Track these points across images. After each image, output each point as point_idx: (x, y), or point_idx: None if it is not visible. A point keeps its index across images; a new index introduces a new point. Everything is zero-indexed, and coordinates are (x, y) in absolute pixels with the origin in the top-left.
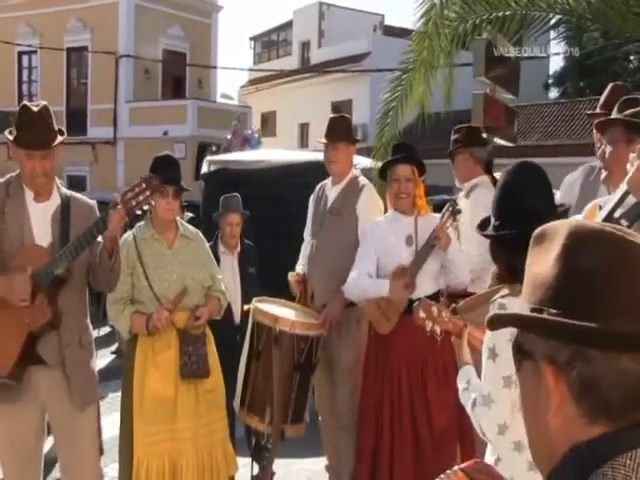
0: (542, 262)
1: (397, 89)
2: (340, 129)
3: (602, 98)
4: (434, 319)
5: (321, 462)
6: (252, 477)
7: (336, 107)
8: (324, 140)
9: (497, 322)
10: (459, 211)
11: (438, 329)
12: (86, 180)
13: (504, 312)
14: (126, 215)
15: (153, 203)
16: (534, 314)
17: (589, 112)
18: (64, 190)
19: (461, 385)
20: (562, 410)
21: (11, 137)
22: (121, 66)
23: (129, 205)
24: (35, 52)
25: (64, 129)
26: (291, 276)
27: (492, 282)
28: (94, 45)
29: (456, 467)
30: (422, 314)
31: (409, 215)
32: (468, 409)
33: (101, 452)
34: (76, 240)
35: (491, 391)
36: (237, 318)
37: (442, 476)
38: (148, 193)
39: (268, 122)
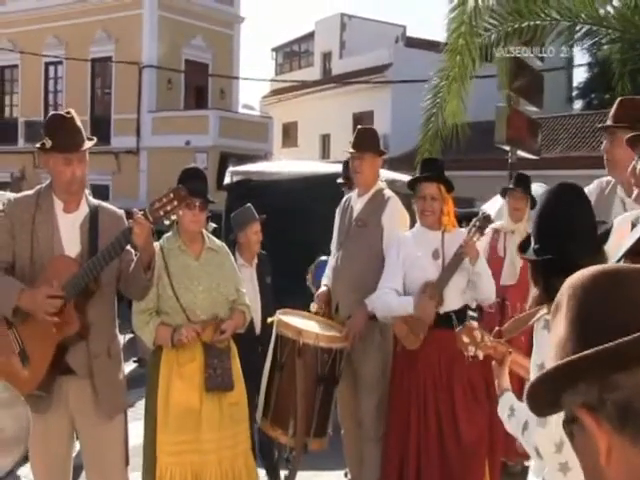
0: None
1: (438, 95)
2: (367, 140)
3: (611, 112)
4: (477, 344)
5: (343, 475)
6: None
7: (357, 118)
8: (351, 150)
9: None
10: (487, 224)
11: (481, 354)
12: (109, 189)
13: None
14: (153, 224)
15: (181, 214)
16: (560, 363)
17: (600, 125)
18: (92, 200)
19: (505, 413)
20: (614, 450)
21: (48, 145)
22: (144, 76)
23: (156, 215)
24: (61, 63)
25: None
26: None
27: (532, 304)
28: (118, 55)
29: None
30: (465, 339)
31: (436, 230)
32: (518, 435)
33: (127, 462)
34: (104, 251)
35: None
36: (258, 329)
37: None
38: (176, 204)
39: (290, 133)
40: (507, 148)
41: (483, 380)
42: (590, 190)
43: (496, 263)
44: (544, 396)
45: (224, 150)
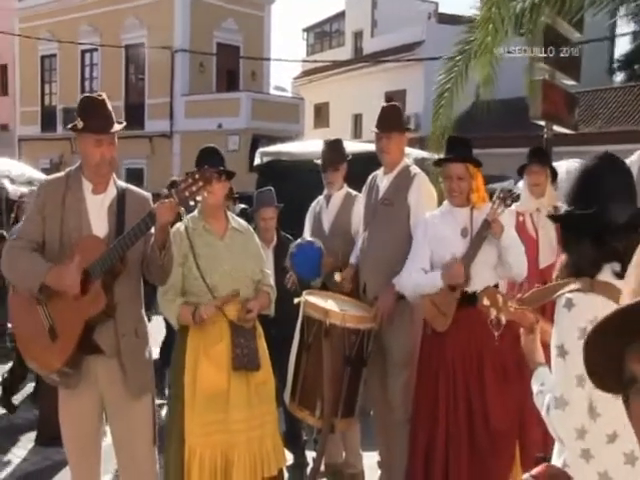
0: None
1: (453, 70)
2: (392, 118)
3: None
4: (499, 308)
5: (373, 457)
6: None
7: (389, 97)
8: (376, 130)
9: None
10: (510, 196)
11: (503, 319)
12: (143, 173)
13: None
14: (180, 206)
15: (206, 195)
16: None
17: None
18: (120, 182)
19: (535, 387)
20: None
21: (79, 126)
22: (176, 60)
23: (182, 196)
24: (96, 50)
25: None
26: (342, 274)
27: (559, 273)
28: (150, 41)
29: (527, 475)
30: (486, 301)
31: (464, 207)
32: (543, 413)
33: (155, 441)
34: (130, 231)
35: (563, 392)
36: (272, 310)
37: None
38: (201, 184)
39: (321, 113)
40: (542, 123)
41: (515, 361)
42: (632, 161)
43: (530, 247)
44: (605, 349)
45: (256, 132)
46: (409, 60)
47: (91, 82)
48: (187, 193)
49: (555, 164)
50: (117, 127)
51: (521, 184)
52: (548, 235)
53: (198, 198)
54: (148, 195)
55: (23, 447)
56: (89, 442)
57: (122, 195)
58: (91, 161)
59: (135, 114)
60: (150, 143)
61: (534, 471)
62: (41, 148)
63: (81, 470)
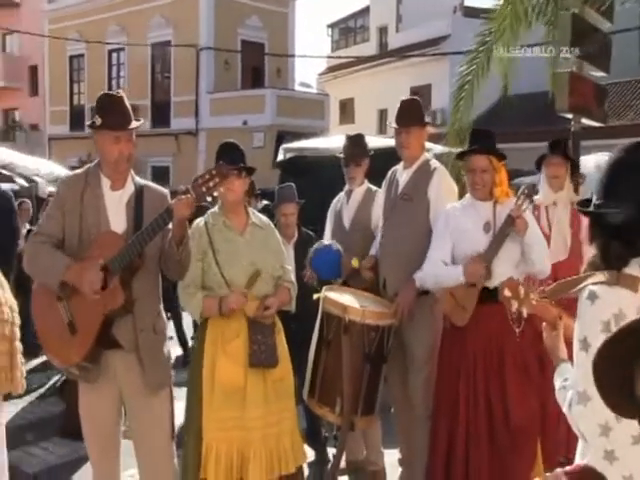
0: None
1: (473, 62)
2: (412, 112)
3: None
4: (520, 300)
5: (395, 454)
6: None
7: (415, 92)
8: (395, 125)
9: None
10: (535, 193)
11: (525, 312)
12: (169, 170)
13: None
14: (196, 202)
15: (222, 190)
16: None
17: None
18: (138, 179)
19: (558, 383)
20: None
21: (98, 123)
22: (202, 58)
23: (199, 191)
24: (123, 49)
25: (149, 121)
26: (361, 262)
27: (586, 266)
28: (176, 39)
29: (560, 470)
30: (507, 292)
31: (487, 201)
32: (565, 409)
33: (173, 435)
34: (148, 227)
35: (586, 387)
36: (292, 306)
37: (547, 475)
38: (217, 180)
39: (346, 109)
40: (569, 116)
41: (537, 358)
42: None
43: None
44: (616, 360)
45: (281, 129)
46: (434, 55)
47: (118, 81)
48: (204, 189)
49: (583, 158)
50: (135, 124)
51: (539, 177)
52: (562, 231)
53: (215, 194)
54: (166, 191)
55: (50, 440)
56: (108, 436)
57: (140, 191)
58: (109, 158)
59: (161, 112)
60: (176, 141)
61: (568, 468)
62: (70, 147)
63: (101, 463)
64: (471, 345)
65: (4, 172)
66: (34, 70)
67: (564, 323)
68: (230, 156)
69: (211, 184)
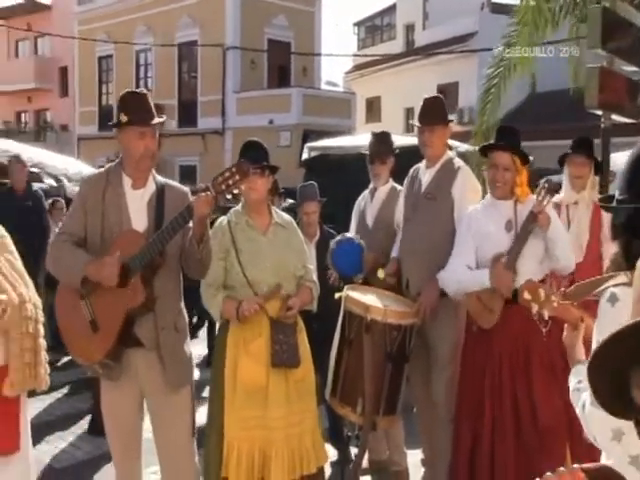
0: None
1: (500, 64)
2: (434, 110)
3: None
4: (541, 302)
5: (418, 455)
6: (338, 466)
7: (442, 90)
8: (418, 123)
9: None
10: (556, 187)
11: (546, 314)
12: (196, 170)
13: None
14: (217, 200)
15: (243, 188)
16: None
17: None
18: (159, 178)
19: (572, 384)
20: None
21: (123, 120)
22: (228, 58)
23: (219, 189)
24: (150, 50)
25: (176, 121)
26: (385, 270)
27: (609, 266)
28: (203, 39)
29: (576, 465)
30: (527, 295)
31: (508, 200)
32: (578, 411)
33: (193, 433)
34: (168, 225)
35: None
36: (314, 306)
37: (561, 469)
38: (238, 178)
39: (373, 108)
40: (599, 113)
41: (563, 357)
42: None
43: None
44: (610, 365)
45: (307, 128)
46: (461, 52)
47: (146, 81)
48: (224, 186)
49: (614, 155)
50: (158, 120)
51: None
52: (580, 232)
53: (235, 191)
54: (186, 190)
55: (77, 436)
56: (130, 433)
57: (161, 190)
58: (135, 153)
59: (188, 112)
60: (203, 140)
61: (586, 465)
62: (98, 147)
63: (123, 460)
64: (497, 345)
65: (34, 170)
66: (64, 71)
67: (586, 325)
68: (253, 154)
69: (231, 182)
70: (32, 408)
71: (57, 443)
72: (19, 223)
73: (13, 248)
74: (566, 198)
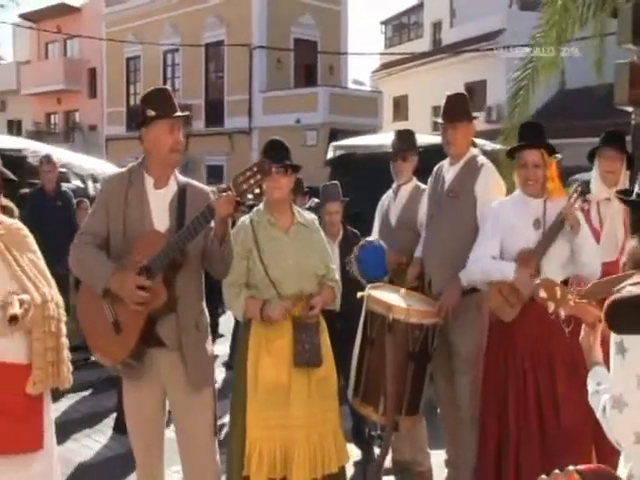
0: None
1: (528, 66)
2: (458, 107)
3: None
4: (557, 301)
5: (441, 455)
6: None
7: (470, 88)
8: (441, 120)
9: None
10: (589, 191)
11: (562, 313)
12: (223, 170)
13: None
14: (238, 199)
15: (265, 187)
16: None
17: None
18: (181, 178)
19: (591, 387)
20: None
21: (151, 114)
22: (255, 57)
23: (240, 189)
24: (177, 50)
25: (203, 121)
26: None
27: (626, 262)
28: (229, 39)
29: (572, 467)
30: (543, 294)
31: (538, 197)
32: (598, 414)
33: (215, 433)
34: (190, 225)
35: (622, 392)
36: (337, 305)
37: (556, 471)
38: (259, 177)
39: (400, 106)
40: (630, 109)
41: None
42: None
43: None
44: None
45: (334, 127)
46: (489, 50)
47: (173, 82)
48: (245, 186)
49: None
50: (185, 113)
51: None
52: (614, 229)
53: (257, 191)
54: (208, 189)
55: (103, 434)
56: (152, 433)
57: (183, 190)
58: (164, 147)
59: (215, 112)
60: (229, 140)
61: (581, 466)
62: (126, 147)
63: (146, 459)
64: (521, 343)
65: (62, 170)
66: (93, 73)
67: (604, 324)
68: (276, 153)
69: (252, 181)
70: (59, 406)
71: (83, 440)
72: (49, 223)
73: (36, 248)
74: (597, 194)
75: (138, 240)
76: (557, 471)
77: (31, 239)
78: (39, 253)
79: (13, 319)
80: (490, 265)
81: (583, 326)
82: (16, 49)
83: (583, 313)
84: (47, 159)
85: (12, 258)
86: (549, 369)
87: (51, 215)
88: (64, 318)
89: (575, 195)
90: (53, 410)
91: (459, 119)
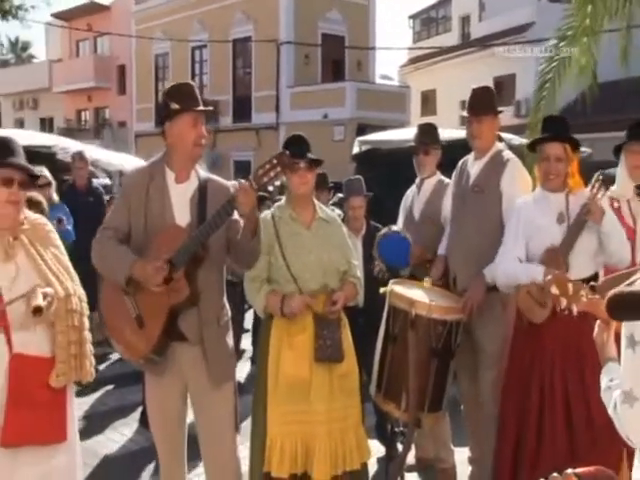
0: None
1: (554, 59)
2: (483, 101)
3: None
4: (569, 297)
5: (465, 453)
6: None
7: (499, 82)
8: (466, 114)
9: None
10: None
11: (575, 309)
12: (251, 165)
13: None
14: (258, 191)
15: (284, 179)
16: None
17: None
18: (202, 172)
19: (604, 383)
20: None
21: (175, 107)
22: (282, 53)
23: (260, 182)
24: (205, 46)
25: (230, 117)
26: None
27: None
28: (257, 35)
29: (570, 470)
30: (555, 290)
31: (559, 192)
32: (610, 410)
33: (237, 429)
34: (211, 219)
35: (633, 387)
36: (361, 301)
37: (554, 474)
38: (279, 169)
39: (428, 101)
40: None
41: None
42: None
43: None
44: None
45: (361, 122)
46: (517, 43)
47: (201, 78)
48: (265, 178)
49: None
50: (208, 108)
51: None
52: None
53: (277, 183)
54: (229, 184)
55: (129, 427)
56: (174, 427)
57: (204, 185)
58: (188, 140)
59: (242, 107)
60: (257, 135)
61: (580, 470)
62: (155, 143)
63: (167, 452)
64: (550, 341)
65: (91, 169)
66: (122, 70)
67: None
68: (298, 148)
69: (272, 173)
70: (87, 399)
71: (110, 433)
72: (81, 219)
73: (59, 243)
74: (625, 191)
75: (159, 235)
76: (555, 474)
77: (54, 234)
78: (62, 248)
79: (37, 310)
80: (517, 268)
81: (597, 322)
82: (48, 48)
83: (596, 308)
84: (80, 156)
85: (36, 252)
86: (579, 368)
87: (83, 211)
88: (87, 312)
89: (597, 185)
90: (81, 403)
91: (484, 112)
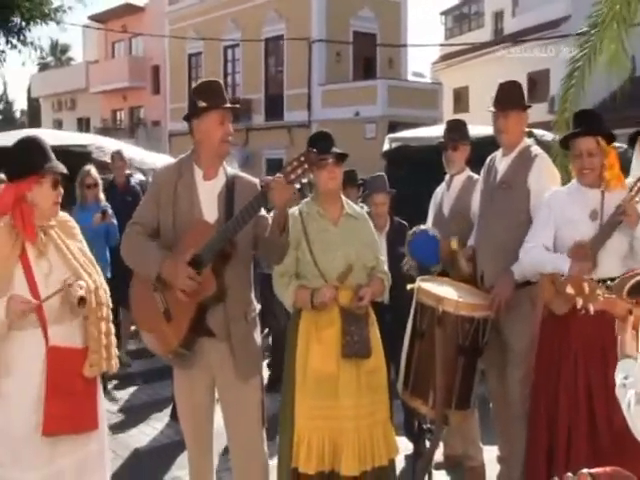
0: None
1: (585, 46)
2: (510, 95)
3: None
4: (585, 296)
5: (493, 452)
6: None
7: (533, 78)
8: (493, 109)
9: None
10: None
11: (592, 308)
12: (283, 163)
13: None
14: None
15: (312, 176)
16: None
17: None
18: (229, 170)
19: (618, 380)
20: None
21: (202, 105)
22: (314, 51)
23: (288, 179)
24: (238, 45)
25: (262, 115)
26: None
27: None
28: (289, 33)
29: (585, 470)
30: (570, 289)
31: (595, 188)
32: (624, 408)
33: (264, 424)
34: (238, 214)
35: None
36: (386, 297)
37: (569, 474)
38: (306, 166)
39: (461, 98)
40: None
41: None
42: None
43: None
44: None
45: (393, 119)
46: (551, 38)
47: (233, 77)
48: (293, 176)
49: None
50: (234, 105)
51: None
52: None
53: (304, 180)
54: (256, 181)
55: (161, 421)
56: (202, 420)
57: (231, 181)
58: (215, 138)
59: (274, 106)
60: (289, 133)
61: (595, 470)
62: (189, 142)
63: (195, 445)
64: (575, 339)
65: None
66: (156, 70)
67: (635, 316)
68: (324, 144)
69: (300, 171)
70: (122, 394)
71: (142, 427)
72: (120, 216)
73: (82, 238)
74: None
75: (187, 231)
76: (569, 474)
77: (78, 230)
78: (85, 243)
79: (82, 301)
80: (543, 256)
81: (617, 321)
82: (85, 50)
83: (613, 307)
84: (119, 155)
85: (65, 247)
86: (602, 365)
87: (121, 209)
88: (111, 305)
89: (636, 189)
90: (117, 398)
91: (511, 107)
